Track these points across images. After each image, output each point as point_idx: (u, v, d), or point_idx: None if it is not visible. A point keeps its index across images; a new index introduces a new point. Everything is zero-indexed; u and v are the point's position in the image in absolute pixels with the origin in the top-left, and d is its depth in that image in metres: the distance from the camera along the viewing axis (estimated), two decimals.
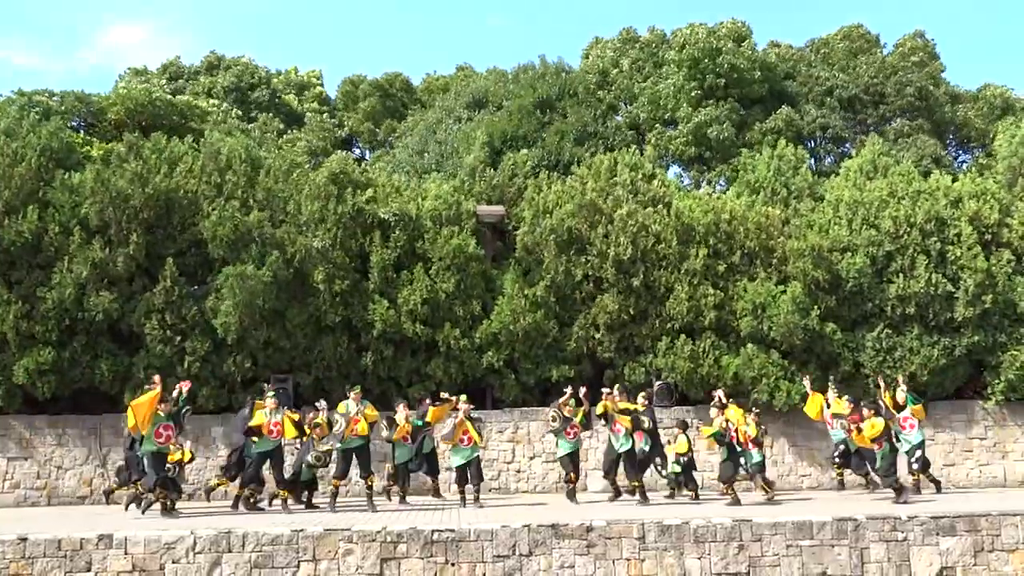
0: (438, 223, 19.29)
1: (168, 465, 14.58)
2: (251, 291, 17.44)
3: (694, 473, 16.31)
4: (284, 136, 31.54)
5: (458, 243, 18.67)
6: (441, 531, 12.60)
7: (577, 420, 15.75)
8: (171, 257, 18.07)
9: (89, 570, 12.24)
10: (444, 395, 16.48)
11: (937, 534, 13.04)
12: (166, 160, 19.02)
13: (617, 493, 15.93)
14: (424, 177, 23.83)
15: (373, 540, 12.50)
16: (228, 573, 12.33)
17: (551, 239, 18.76)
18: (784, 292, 18.40)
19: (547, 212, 19.19)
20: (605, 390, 16.25)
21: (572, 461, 15.73)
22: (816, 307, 18.33)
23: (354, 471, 15.41)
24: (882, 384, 16.68)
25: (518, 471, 17.99)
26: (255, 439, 14.88)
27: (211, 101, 33.07)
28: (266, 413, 15.00)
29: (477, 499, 15.45)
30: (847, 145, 28.04)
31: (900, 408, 16.23)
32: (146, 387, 15.28)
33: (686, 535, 12.75)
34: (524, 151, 23.54)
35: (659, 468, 16.10)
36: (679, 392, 18.50)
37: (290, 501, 14.97)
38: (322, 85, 39.92)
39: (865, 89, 28.42)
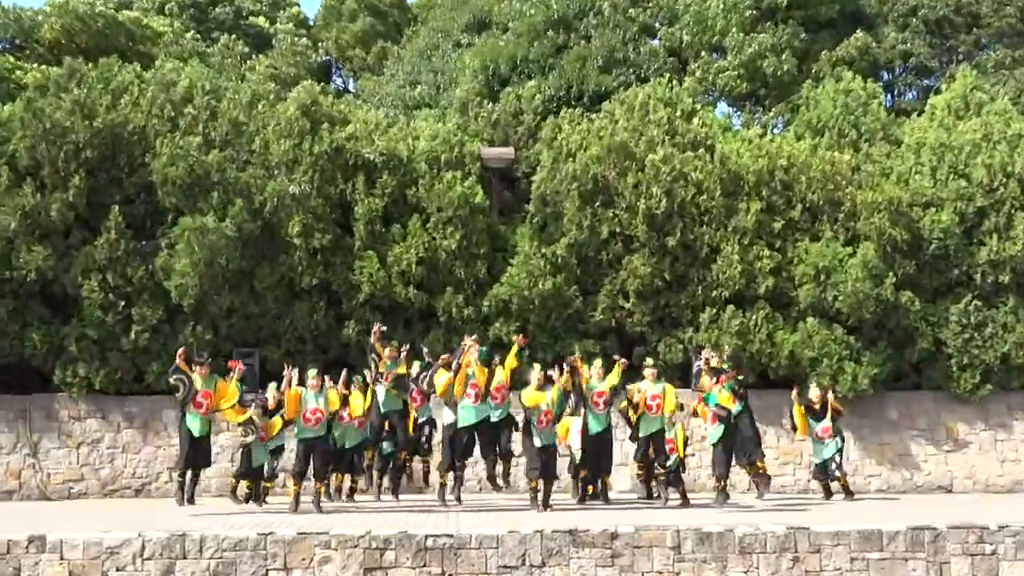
0: (435, 167, 19.18)
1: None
2: (212, 247, 17.38)
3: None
4: (248, 62, 31.25)
5: (461, 191, 18.57)
6: (437, 536, 12.55)
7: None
8: (116, 205, 17.99)
9: None
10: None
11: None
12: (112, 90, 18.92)
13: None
14: (415, 113, 23.58)
15: (355, 546, 12.48)
16: None
17: (573, 188, 18.65)
18: (853, 255, 18.29)
19: (570, 156, 19.08)
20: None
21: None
22: (891, 273, 18.24)
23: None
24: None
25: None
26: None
27: (163, 20, 32.83)
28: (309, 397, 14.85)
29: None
30: (933, 77, 27.63)
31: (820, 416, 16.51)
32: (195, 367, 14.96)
33: (730, 545, 12.74)
34: (533, 82, 23.17)
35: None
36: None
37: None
38: (298, 3, 39.57)
39: (956, 9, 27.93)
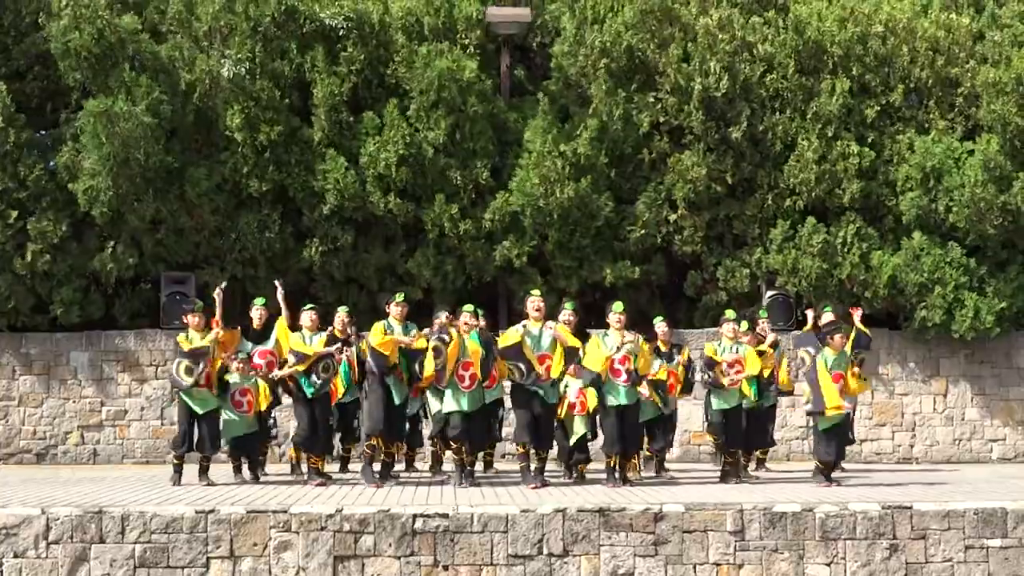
0: (416, 36, 19.08)
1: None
2: (126, 139, 17.30)
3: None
4: None
5: (447, 65, 18.37)
6: (428, 516, 12.51)
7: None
8: (2, 82, 17.93)
9: None
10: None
11: None
12: None
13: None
14: None
15: (323, 528, 12.47)
16: (100, 574, 12.32)
17: (602, 64, 18.54)
18: (973, 152, 18.20)
19: (596, 22, 18.93)
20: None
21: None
22: (1022, 175, 18.07)
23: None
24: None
25: None
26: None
27: None
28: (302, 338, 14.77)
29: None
30: None
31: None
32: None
33: (809, 528, 12.72)
34: None
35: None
36: (802, 308, 18.28)
37: None
38: None
39: None
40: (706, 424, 15.57)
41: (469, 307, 14.79)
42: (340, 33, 18.75)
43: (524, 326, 14.51)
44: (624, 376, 14.25)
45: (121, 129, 17.25)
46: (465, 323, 14.47)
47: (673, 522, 12.61)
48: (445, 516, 12.51)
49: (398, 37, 18.94)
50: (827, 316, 15.48)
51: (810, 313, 16.38)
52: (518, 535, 12.51)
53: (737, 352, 15.01)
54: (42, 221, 17.71)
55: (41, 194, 17.86)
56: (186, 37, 18.42)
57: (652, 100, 18.73)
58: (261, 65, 18.29)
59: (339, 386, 15.17)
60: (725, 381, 14.85)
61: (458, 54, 18.64)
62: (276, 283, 15.58)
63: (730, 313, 15.56)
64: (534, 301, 14.68)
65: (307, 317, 14.88)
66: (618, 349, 14.20)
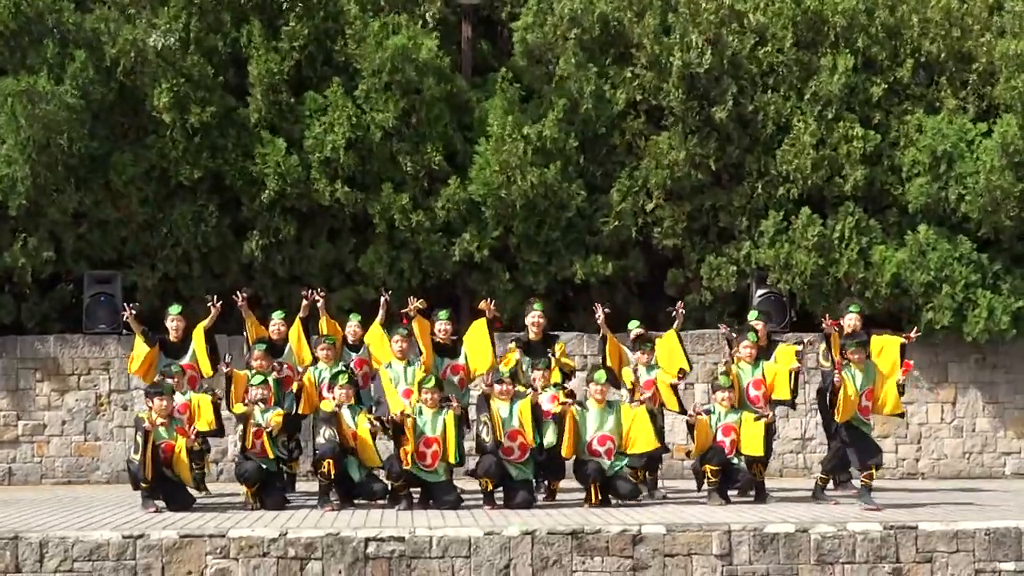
0: (370, 7, 19.08)
1: None
2: (48, 122, 17.28)
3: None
4: None
5: (401, 42, 18.31)
6: (382, 540, 12.55)
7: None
8: None
9: None
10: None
11: None
12: None
13: None
14: None
15: (264, 554, 12.50)
16: None
17: (572, 35, 18.61)
18: (988, 134, 18.29)
19: None
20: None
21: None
22: None
23: None
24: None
25: None
26: None
27: None
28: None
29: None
30: None
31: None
32: None
33: (803, 550, 12.75)
34: None
35: None
36: (796, 308, 18.58)
37: None
38: None
39: None
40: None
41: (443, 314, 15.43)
42: (283, 5, 18.75)
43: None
44: (603, 454, 14.71)
45: (43, 111, 17.24)
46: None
47: (653, 545, 12.65)
48: (401, 540, 12.56)
49: (350, 8, 18.91)
50: (851, 318, 15.18)
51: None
52: (482, 560, 12.55)
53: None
54: None
55: None
56: (113, 7, 18.41)
57: (628, 77, 18.74)
58: (194, 39, 18.28)
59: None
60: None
61: (416, 30, 18.64)
62: (212, 300, 15.84)
63: (755, 328, 15.58)
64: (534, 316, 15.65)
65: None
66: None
